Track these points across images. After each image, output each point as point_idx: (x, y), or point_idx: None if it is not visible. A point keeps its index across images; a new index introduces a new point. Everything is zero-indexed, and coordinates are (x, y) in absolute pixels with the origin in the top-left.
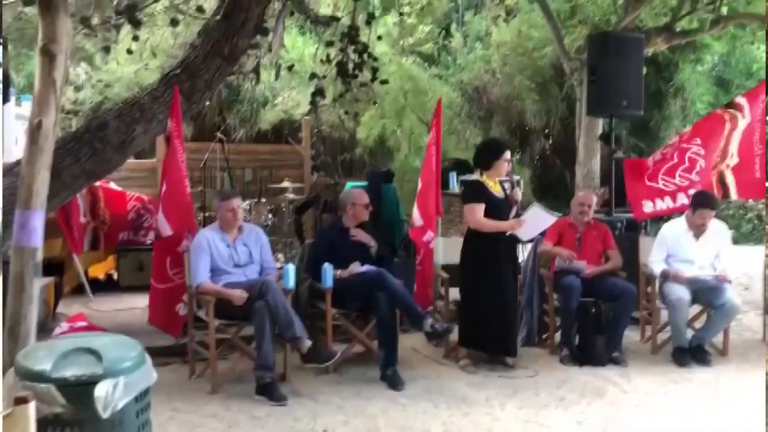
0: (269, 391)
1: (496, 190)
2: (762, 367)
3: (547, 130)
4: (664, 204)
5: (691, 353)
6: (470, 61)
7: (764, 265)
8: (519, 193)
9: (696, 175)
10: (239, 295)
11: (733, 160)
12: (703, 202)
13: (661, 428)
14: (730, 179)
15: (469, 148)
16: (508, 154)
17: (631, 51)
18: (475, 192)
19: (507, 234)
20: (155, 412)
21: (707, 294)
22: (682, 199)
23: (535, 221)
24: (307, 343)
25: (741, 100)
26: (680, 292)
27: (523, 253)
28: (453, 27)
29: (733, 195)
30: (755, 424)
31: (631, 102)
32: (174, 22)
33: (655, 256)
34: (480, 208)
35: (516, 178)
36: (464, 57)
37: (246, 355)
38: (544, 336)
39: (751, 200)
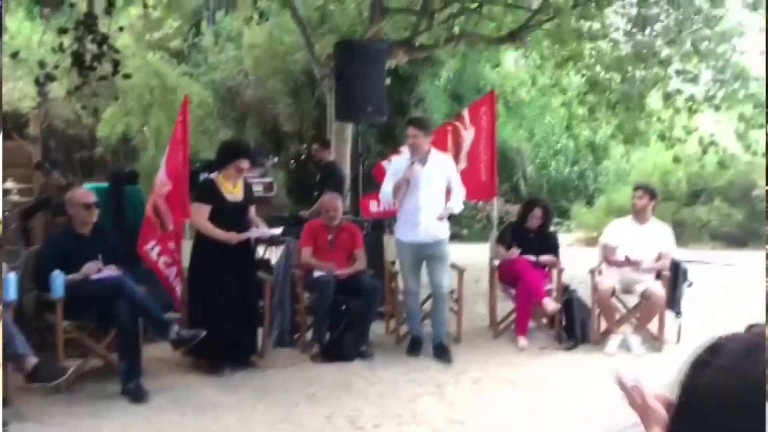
0: None
1: (232, 192)
2: (492, 349)
3: (300, 134)
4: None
5: (434, 351)
6: (222, 60)
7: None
8: (266, 231)
9: None
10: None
11: (461, 165)
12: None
13: (403, 413)
14: None
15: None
16: (243, 163)
17: (375, 59)
18: (201, 192)
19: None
20: None
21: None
22: None
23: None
24: (32, 360)
25: (464, 112)
26: (407, 256)
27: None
28: (204, 25)
29: None
30: (497, 407)
31: (375, 108)
32: None
33: (383, 187)
34: (202, 209)
35: (269, 180)
36: (216, 56)
37: None
38: (295, 335)
39: (480, 201)
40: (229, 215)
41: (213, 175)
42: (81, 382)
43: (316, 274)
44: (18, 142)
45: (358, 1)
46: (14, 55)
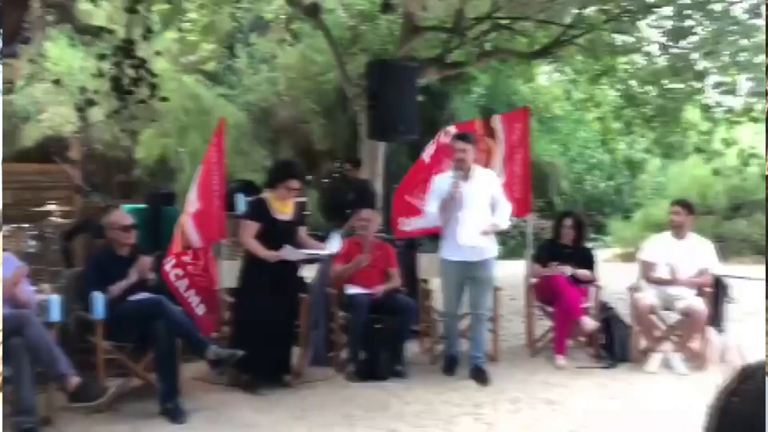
0: None
1: (282, 211)
2: (529, 368)
3: (333, 153)
4: (421, 222)
5: (471, 373)
6: (256, 82)
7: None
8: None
9: None
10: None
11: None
12: (458, 137)
13: None
14: None
15: (257, 169)
16: (294, 183)
17: (407, 78)
18: (251, 209)
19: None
20: None
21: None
22: None
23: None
24: (75, 380)
25: (496, 123)
26: (451, 275)
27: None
28: (238, 47)
29: None
30: (536, 429)
31: (407, 127)
32: None
33: (427, 206)
34: (249, 226)
35: (303, 199)
36: (250, 78)
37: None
38: (331, 354)
39: (514, 218)
40: (279, 234)
41: (264, 195)
42: (121, 401)
43: (350, 292)
44: (60, 165)
45: (389, 20)
46: (56, 81)
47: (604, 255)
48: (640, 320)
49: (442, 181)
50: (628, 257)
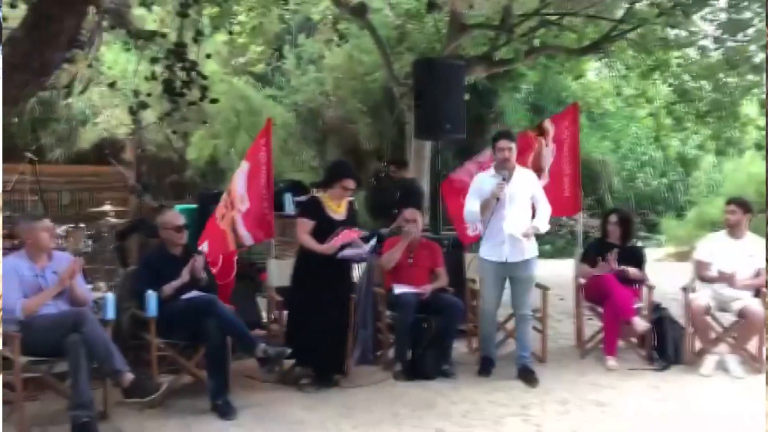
0: (86, 431)
1: (336, 211)
2: (579, 369)
3: (380, 152)
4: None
5: (519, 374)
6: (304, 83)
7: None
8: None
9: None
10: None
11: (543, 181)
12: (500, 135)
13: None
14: None
15: (304, 169)
16: (349, 183)
17: (454, 77)
18: (305, 207)
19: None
20: None
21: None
22: None
23: (352, 249)
24: (129, 376)
25: (547, 124)
26: (490, 275)
27: (358, 271)
28: (286, 48)
29: None
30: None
31: (454, 125)
32: None
33: (468, 206)
34: (304, 223)
35: (350, 199)
36: (298, 79)
37: (60, 394)
38: (378, 353)
39: (564, 217)
40: (328, 233)
41: (318, 194)
42: (174, 397)
43: (397, 291)
44: (115, 167)
45: (436, 19)
46: (111, 84)
47: (656, 254)
48: (694, 321)
49: (482, 181)
50: (682, 256)
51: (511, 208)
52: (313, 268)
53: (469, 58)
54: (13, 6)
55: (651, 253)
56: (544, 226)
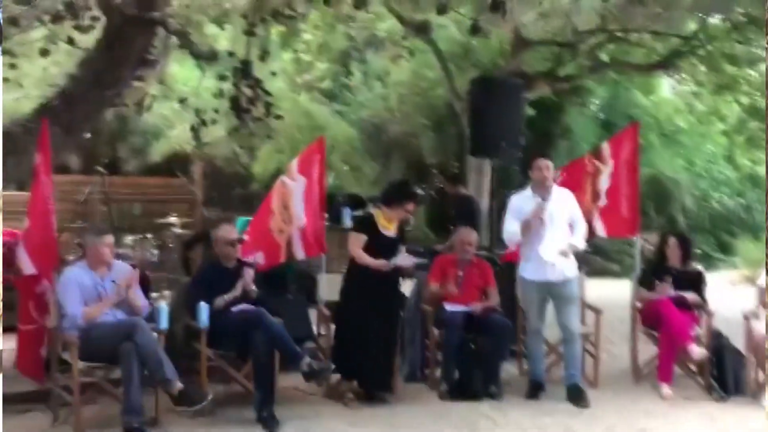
0: None
1: (387, 228)
2: (631, 395)
3: (442, 167)
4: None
5: (568, 394)
6: (369, 98)
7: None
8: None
9: None
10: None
11: (602, 201)
12: (537, 154)
13: None
14: (596, 219)
15: (367, 183)
16: (411, 206)
17: (511, 95)
18: (359, 223)
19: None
20: None
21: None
22: None
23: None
24: (178, 385)
25: (605, 147)
26: (532, 295)
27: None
28: (353, 64)
29: (600, 233)
30: None
31: (510, 144)
32: (44, 53)
33: (507, 226)
34: (358, 238)
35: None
36: (364, 94)
37: (114, 399)
38: (426, 371)
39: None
40: (383, 249)
41: (372, 210)
42: (223, 406)
43: (446, 309)
44: (182, 179)
45: (500, 35)
46: (182, 100)
47: (730, 277)
48: (756, 350)
49: (520, 200)
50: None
51: (551, 228)
52: (363, 283)
53: (533, 74)
54: (84, 31)
55: (725, 276)
56: (581, 244)
